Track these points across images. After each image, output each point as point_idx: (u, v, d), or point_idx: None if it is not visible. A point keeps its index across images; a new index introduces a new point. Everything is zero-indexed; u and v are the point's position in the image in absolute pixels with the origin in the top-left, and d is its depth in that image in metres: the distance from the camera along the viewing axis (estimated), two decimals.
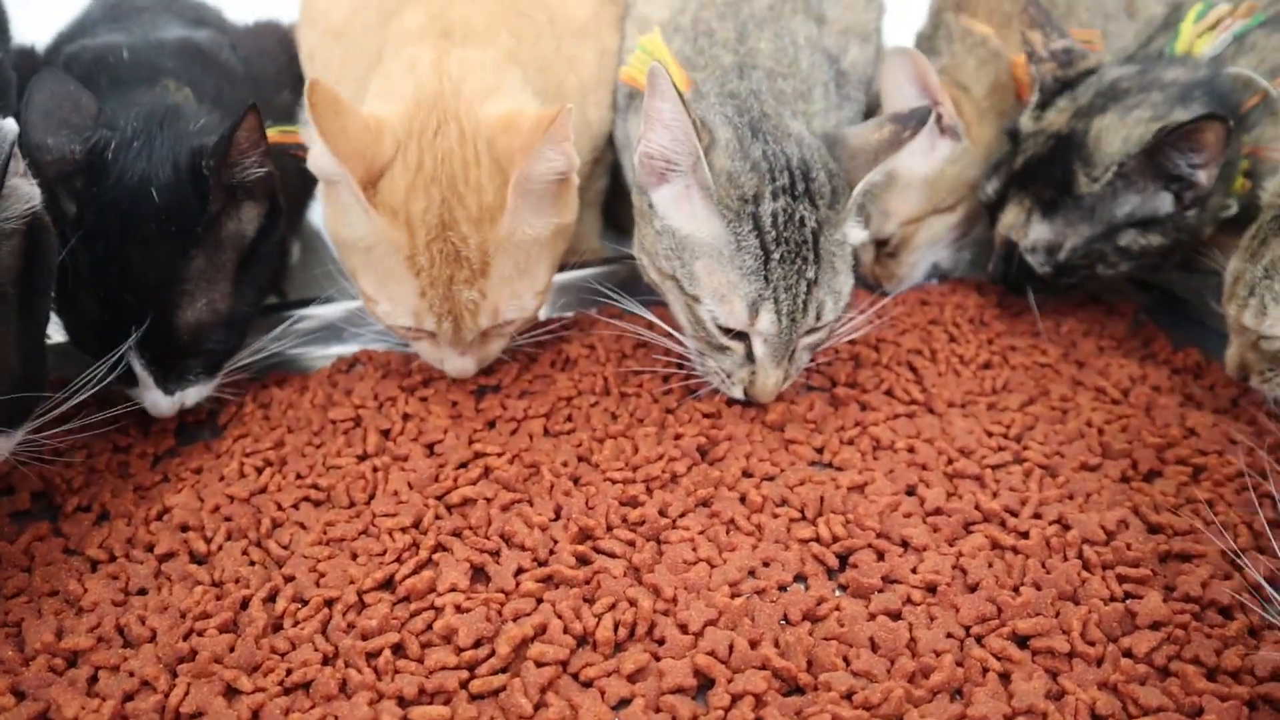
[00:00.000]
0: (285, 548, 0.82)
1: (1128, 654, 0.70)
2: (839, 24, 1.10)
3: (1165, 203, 1.01)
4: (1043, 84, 1.07)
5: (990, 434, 0.95)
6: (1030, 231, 1.06)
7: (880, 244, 1.19)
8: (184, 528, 0.85)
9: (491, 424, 0.98)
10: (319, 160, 0.87)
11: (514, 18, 1.02)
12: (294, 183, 1.04)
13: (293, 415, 0.99)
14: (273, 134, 0.92)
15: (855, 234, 0.96)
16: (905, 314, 1.14)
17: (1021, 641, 0.72)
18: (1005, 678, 0.69)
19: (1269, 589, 0.72)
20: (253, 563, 0.81)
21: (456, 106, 0.90)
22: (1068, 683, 0.67)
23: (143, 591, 0.79)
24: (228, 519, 0.86)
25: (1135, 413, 0.97)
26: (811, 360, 0.99)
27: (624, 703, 0.69)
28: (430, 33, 0.97)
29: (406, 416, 0.99)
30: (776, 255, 0.89)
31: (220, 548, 0.83)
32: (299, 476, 0.91)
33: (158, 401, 0.92)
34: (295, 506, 0.87)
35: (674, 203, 0.93)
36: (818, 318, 0.92)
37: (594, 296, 1.09)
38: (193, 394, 0.94)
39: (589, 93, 1.10)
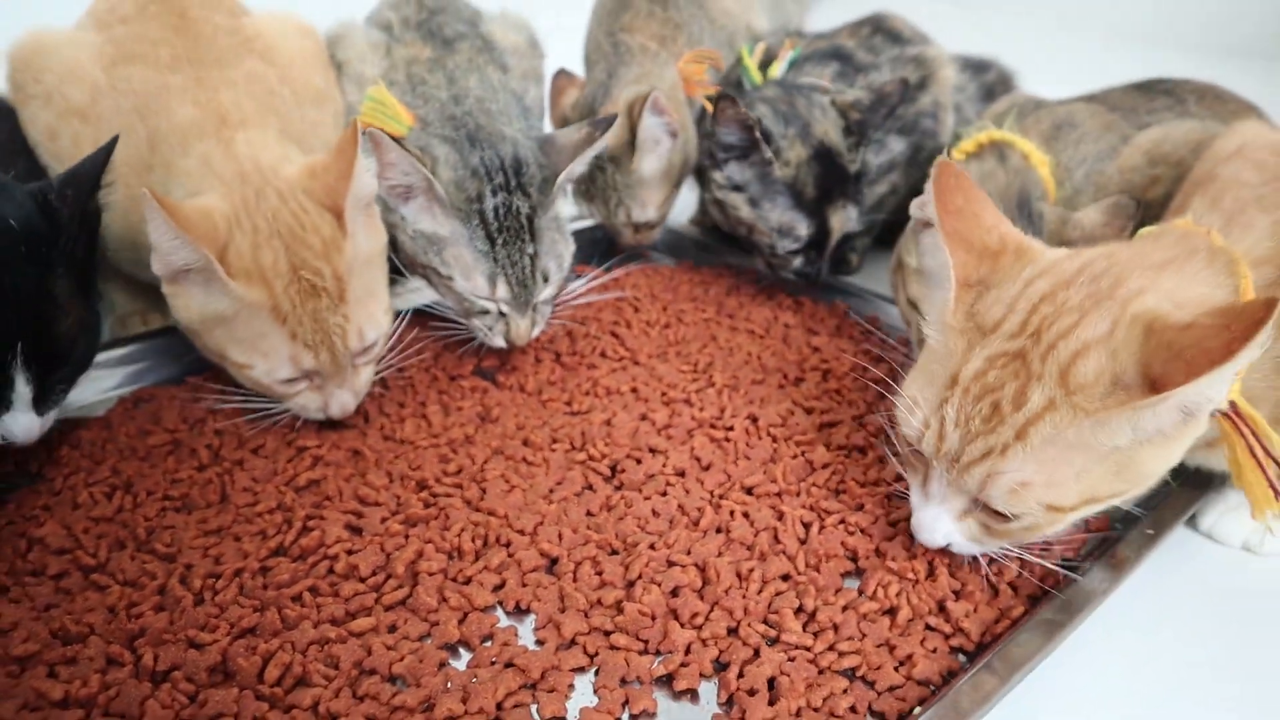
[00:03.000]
0: (169, 546, 0.97)
1: (814, 485, 1.06)
2: (518, 70, 1.41)
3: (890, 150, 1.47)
4: (765, 139, 1.35)
5: (684, 371, 1.29)
6: (852, 214, 1.41)
7: (638, 225, 1.54)
8: (62, 551, 0.96)
9: (294, 428, 1.17)
10: (171, 256, 1.00)
11: (269, 96, 1.20)
12: None
13: (113, 448, 1.11)
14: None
15: (566, 209, 1.28)
16: (597, 297, 1.47)
17: (749, 491, 1.06)
18: (746, 515, 1.02)
19: (888, 432, 1.11)
20: (146, 563, 0.95)
21: (262, 176, 1.07)
22: (784, 508, 1.02)
23: (53, 606, 0.90)
24: (101, 536, 0.98)
25: (776, 342, 1.36)
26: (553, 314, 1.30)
27: (499, 586, 0.94)
28: (208, 123, 1.13)
29: (219, 432, 1.15)
30: (500, 240, 1.19)
31: (108, 559, 0.96)
32: (150, 493, 1.04)
33: (30, 425, 0.99)
34: (160, 515, 1.02)
35: (418, 213, 1.21)
36: (545, 280, 1.23)
37: None
38: (52, 416, 1.03)
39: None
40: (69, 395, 1.07)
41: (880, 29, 1.62)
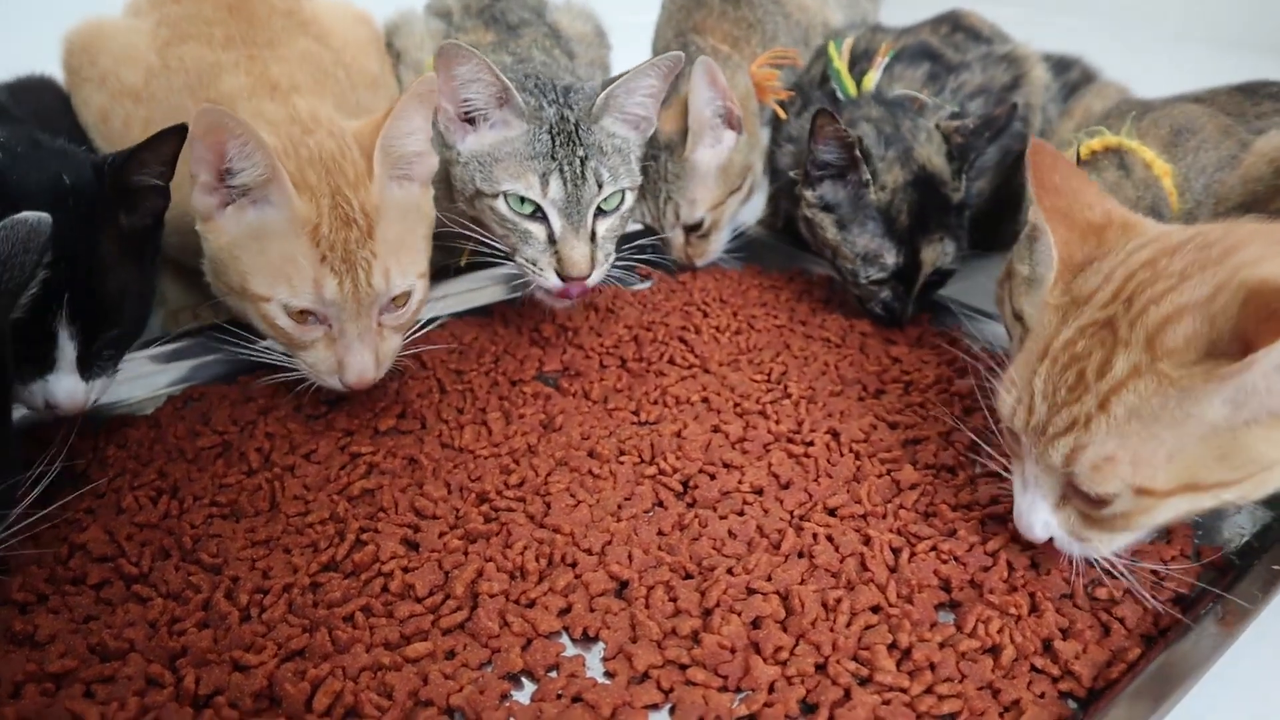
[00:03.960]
0: (215, 556, 0.92)
1: (902, 507, 0.98)
2: (585, 58, 1.36)
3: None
4: (865, 157, 1.27)
5: (757, 381, 1.21)
6: (949, 250, 1.30)
7: (691, 229, 1.45)
8: (104, 558, 0.91)
9: (350, 432, 1.11)
10: (242, 174, 0.97)
11: (322, 75, 1.17)
12: None
13: (160, 449, 1.06)
14: None
15: (618, 130, 1.23)
16: (664, 300, 1.40)
17: (831, 513, 0.98)
18: (830, 539, 0.94)
19: (984, 448, 1.03)
20: (191, 575, 0.90)
21: (318, 123, 1.04)
22: (871, 532, 0.94)
23: (92, 618, 0.85)
24: (145, 544, 0.93)
25: (854, 352, 1.28)
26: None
27: (564, 611, 0.87)
28: (260, 90, 1.10)
29: (270, 435, 1.09)
30: (557, 141, 1.16)
31: (151, 568, 0.90)
32: (196, 499, 0.99)
33: (74, 389, 0.96)
34: (207, 523, 0.96)
35: (484, 131, 1.18)
36: (599, 185, 1.18)
37: None
38: (99, 386, 0.99)
39: None
40: (117, 369, 1.03)
41: (959, 27, 1.54)
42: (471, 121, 1.17)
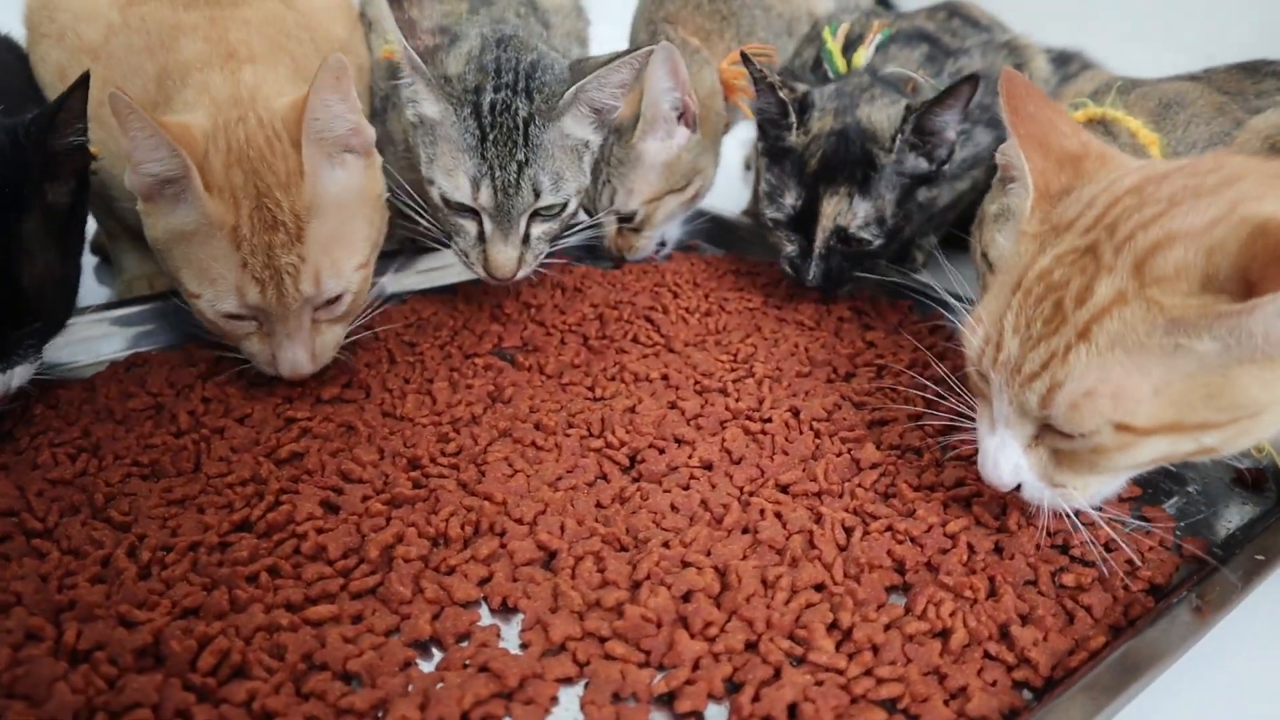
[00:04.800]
0: (126, 515, 0.86)
1: (860, 486, 0.92)
2: (561, 29, 1.30)
3: (924, 163, 1.22)
4: (794, 106, 1.23)
5: (722, 361, 1.15)
6: (858, 211, 1.21)
7: (625, 220, 1.38)
8: (9, 513, 0.86)
9: (290, 399, 1.06)
10: (148, 164, 0.92)
11: (286, 40, 1.12)
12: None
13: (89, 410, 1.02)
14: None
15: (576, 130, 1.16)
16: (634, 280, 1.35)
17: (784, 489, 0.92)
18: (779, 515, 0.88)
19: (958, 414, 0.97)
20: (95, 531, 0.84)
21: (253, 102, 0.98)
22: (824, 510, 0.88)
23: None
24: (55, 500, 0.88)
25: (828, 335, 1.22)
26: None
27: (485, 580, 0.81)
28: (215, 56, 1.05)
29: (206, 399, 1.05)
30: (490, 137, 1.10)
31: (57, 524, 0.85)
32: (117, 458, 0.94)
33: None
34: (123, 481, 0.91)
35: (415, 91, 1.13)
36: (536, 194, 1.12)
37: None
38: (20, 373, 0.95)
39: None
40: (41, 355, 0.99)
41: (956, 14, 1.49)
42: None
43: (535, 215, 1.14)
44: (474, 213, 1.13)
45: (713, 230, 1.55)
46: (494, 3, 1.26)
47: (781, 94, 1.23)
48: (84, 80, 0.91)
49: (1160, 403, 0.70)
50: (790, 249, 1.28)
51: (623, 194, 1.36)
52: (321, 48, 1.19)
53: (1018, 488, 0.82)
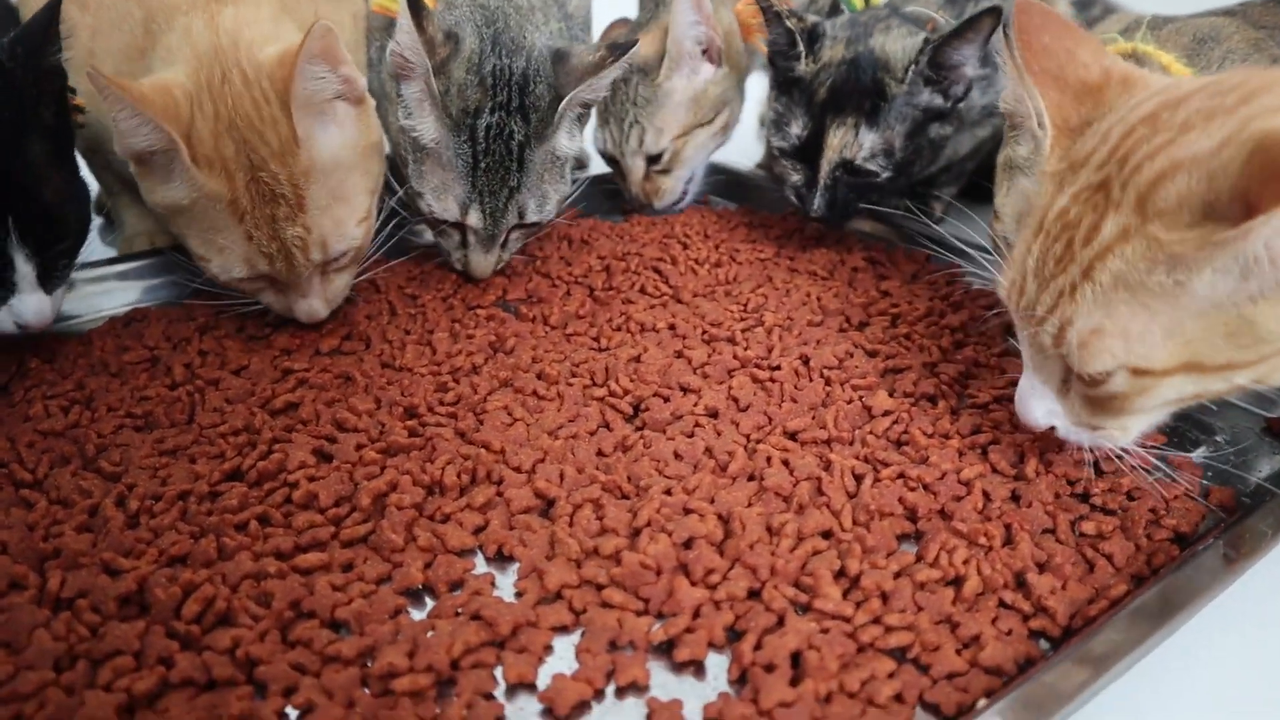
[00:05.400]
0: (117, 465, 0.85)
1: (871, 434, 0.89)
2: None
3: (939, 99, 1.17)
4: (802, 35, 1.19)
5: (731, 311, 1.12)
6: (864, 142, 1.17)
7: (652, 160, 1.36)
8: None
9: (288, 351, 1.04)
10: (132, 138, 0.89)
11: None
12: None
13: (84, 363, 1.00)
14: None
15: (566, 144, 1.12)
16: (643, 232, 1.31)
17: (792, 436, 0.89)
18: (786, 463, 0.85)
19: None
20: (84, 481, 0.82)
21: (236, 54, 0.94)
22: (833, 457, 0.85)
23: None
24: (46, 451, 0.86)
25: (841, 285, 1.18)
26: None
27: (480, 529, 0.78)
28: None
29: (203, 352, 1.03)
30: (483, 164, 1.07)
31: (46, 475, 0.83)
32: (110, 409, 0.93)
33: (41, 306, 0.93)
34: (115, 432, 0.89)
35: (410, 101, 1.07)
36: (521, 217, 1.10)
37: None
38: (58, 297, 0.96)
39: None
40: (72, 278, 1.01)
41: None
42: (408, 74, 1.07)
43: (516, 227, 1.14)
44: (459, 225, 1.12)
45: (726, 184, 1.51)
46: None
47: (789, 24, 1.19)
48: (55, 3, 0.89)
49: (1174, 344, 0.67)
50: (796, 178, 1.25)
51: (651, 133, 1.33)
52: None
53: (1053, 429, 0.80)
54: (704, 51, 1.31)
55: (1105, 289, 0.67)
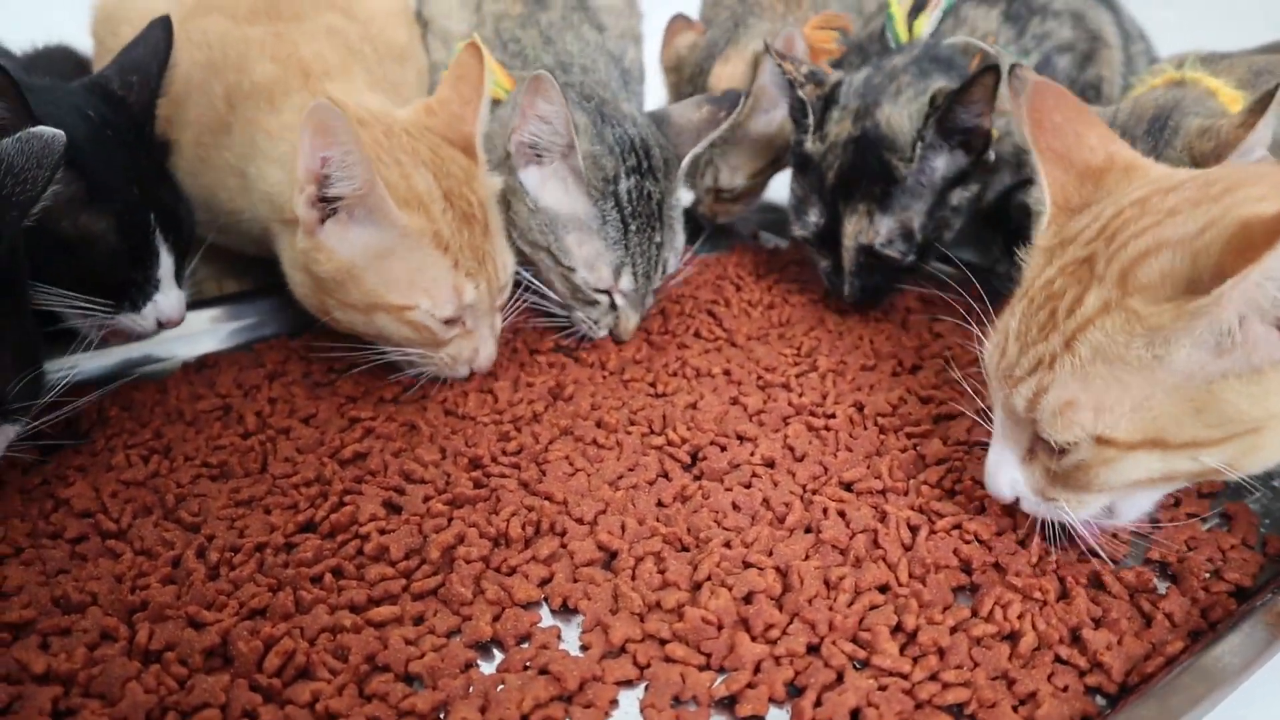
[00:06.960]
0: (196, 515, 0.88)
1: (925, 484, 0.90)
2: (616, 30, 1.29)
3: (961, 157, 1.12)
4: (813, 106, 1.16)
5: (785, 355, 1.14)
6: (880, 229, 1.13)
7: (721, 191, 1.38)
8: (85, 514, 0.88)
9: (353, 399, 1.07)
10: (339, 183, 0.91)
11: (351, 55, 1.12)
12: None
13: (160, 411, 1.04)
14: None
15: (684, 196, 1.17)
16: (696, 274, 1.34)
17: (847, 487, 0.90)
18: (842, 514, 0.86)
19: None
20: (166, 532, 0.86)
21: (382, 118, 1.00)
22: (888, 508, 0.86)
23: (63, 571, 0.82)
24: (129, 501, 0.90)
25: (893, 328, 1.20)
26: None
27: (545, 581, 0.81)
28: (293, 78, 1.05)
29: (273, 400, 1.06)
30: (633, 226, 1.09)
31: (130, 525, 0.87)
32: (188, 459, 0.96)
33: (181, 301, 0.99)
34: (193, 482, 0.93)
35: (545, 181, 1.10)
36: (664, 272, 1.13)
37: None
38: (185, 295, 1.02)
39: None
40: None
41: None
42: (539, 158, 1.09)
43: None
44: (606, 291, 1.13)
45: (776, 221, 1.53)
46: (549, 5, 1.25)
47: (801, 93, 1.16)
48: (166, 23, 1.00)
49: (1140, 417, 0.68)
50: (823, 264, 1.22)
51: (727, 172, 1.36)
52: (383, 56, 1.20)
53: (1018, 501, 0.80)
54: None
55: (1084, 362, 0.69)
